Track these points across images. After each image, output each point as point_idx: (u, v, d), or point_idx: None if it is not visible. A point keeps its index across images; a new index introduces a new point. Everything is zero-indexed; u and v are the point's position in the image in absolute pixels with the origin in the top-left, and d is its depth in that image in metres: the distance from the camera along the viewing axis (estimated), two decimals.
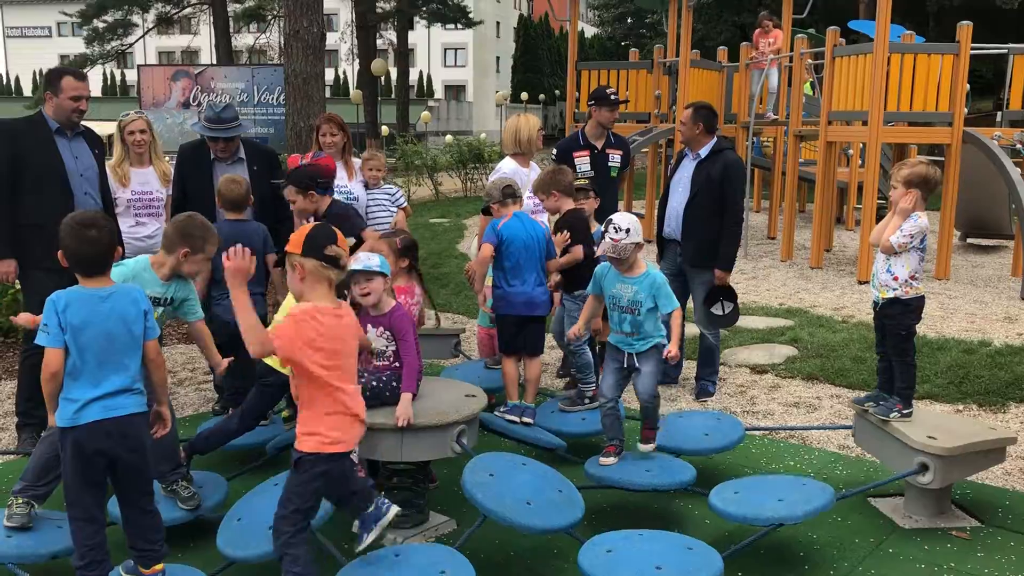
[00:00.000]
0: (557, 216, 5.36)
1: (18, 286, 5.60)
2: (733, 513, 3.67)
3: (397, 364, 3.90)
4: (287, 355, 2.95)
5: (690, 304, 6.13)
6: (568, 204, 5.23)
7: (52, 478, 3.62)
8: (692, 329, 6.39)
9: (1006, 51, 10.91)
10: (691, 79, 11.78)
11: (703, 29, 32.80)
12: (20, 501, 3.53)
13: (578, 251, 5.10)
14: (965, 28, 9.60)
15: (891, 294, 4.15)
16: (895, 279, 4.13)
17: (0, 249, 4.92)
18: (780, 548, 3.90)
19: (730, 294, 5.82)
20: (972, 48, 9.64)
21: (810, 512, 3.64)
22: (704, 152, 5.81)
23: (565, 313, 5.35)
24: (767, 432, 5.37)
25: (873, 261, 4.36)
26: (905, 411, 4.22)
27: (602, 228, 4.17)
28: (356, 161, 6.05)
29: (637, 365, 4.26)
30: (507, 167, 5.81)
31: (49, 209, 4.87)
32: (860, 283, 9.62)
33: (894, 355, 4.23)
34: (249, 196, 5.06)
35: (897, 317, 4.17)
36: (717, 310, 5.83)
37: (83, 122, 5.18)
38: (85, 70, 37.08)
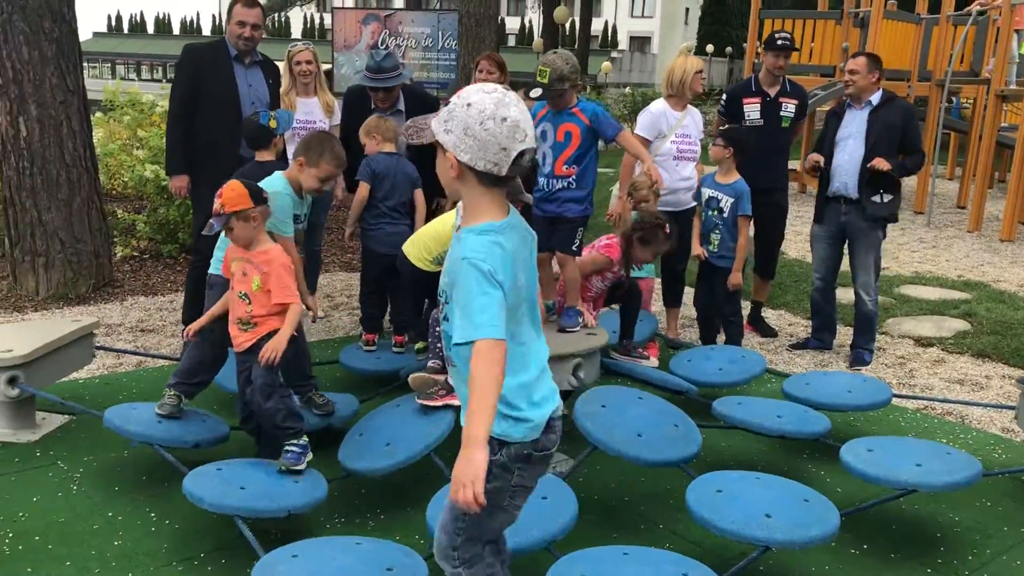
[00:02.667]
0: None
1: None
2: (863, 471, 3.45)
3: None
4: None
5: (845, 265, 5.77)
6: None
7: (199, 380, 3.89)
8: (847, 295, 6.05)
9: None
10: (883, 31, 10.98)
11: None
12: (172, 392, 3.82)
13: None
14: None
15: None
16: None
17: (176, 164, 5.27)
18: (914, 523, 3.65)
19: (892, 184, 5.38)
20: None
21: (951, 484, 3.37)
22: (876, 100, 5.43)
23: None
24: (922, 406, 5.02)
25: None
26: None
27: None
28: None
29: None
30: (655, 107, 5.60)
31: (220, 131, 5.17)
32: None
33: None
34: (398, 132, 5.17)
35: None
36: (877, 199, 5.43)
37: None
38: (286, 11, 38.89)
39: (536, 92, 4.01)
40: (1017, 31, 10.95)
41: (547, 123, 4.25)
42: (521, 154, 2.10)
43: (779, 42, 5.83)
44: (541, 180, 4.29)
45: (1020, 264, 8.69)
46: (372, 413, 3.85)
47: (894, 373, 5.58)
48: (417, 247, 4.36)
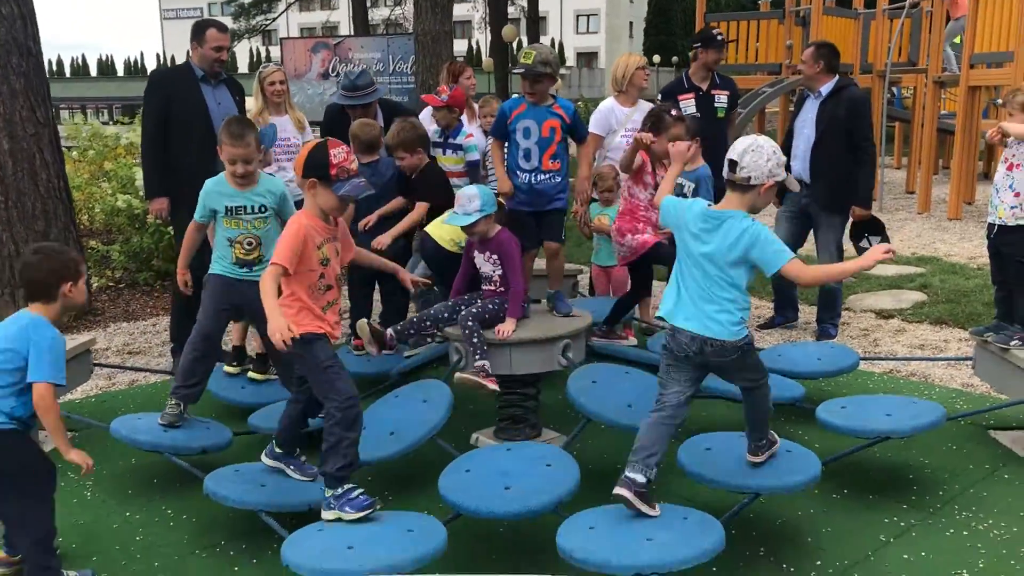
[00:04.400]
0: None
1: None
2: (839, 425, 3.71)
3: (503, 289, 4.10)
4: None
5: (809, 246, 6.06)
6: (424, 159, 5.02)
7: (196, 380, 4.04)
8: None
9: None
10: (824, 27, 11.41)
11: None
12: (173, 401, 3.95)
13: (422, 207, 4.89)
14: None
15: (1008, 212, 4.05)
16: (1016, 195, 4.03)
17: (154, 188, 5.39)
18: (889, 469, 3.91)
19: (876, 227, 5.66)
20: None
21: (918, 427, 3.63)
22: (825, 91, 5.72)
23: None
24: (888, 369, 5.30)
25: None
26: None
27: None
28: (475, 106, 6.28)
29: None
30: (604, 105, 5.84)
31: (194, 151, 5.29)
32: None
33: (1015, 283, 4.13)
34: (381, 138, 5.27)
35: (1017, 244, 4.07)
36: (865, 244, 5.72)
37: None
38: (233, 45, 39.22)
39: (519, 70, 4.26)
40: (956, 20, 11.43)
41: (530, 120, 4.35)
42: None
43: (719, 38, 6.13)
44: (526, 176, 4.38)
45: (968, 239, 9.09)
46: (372, 406, 4.01)
47: (859, 344, 5.85)
48: (443, 230, 4.51)
